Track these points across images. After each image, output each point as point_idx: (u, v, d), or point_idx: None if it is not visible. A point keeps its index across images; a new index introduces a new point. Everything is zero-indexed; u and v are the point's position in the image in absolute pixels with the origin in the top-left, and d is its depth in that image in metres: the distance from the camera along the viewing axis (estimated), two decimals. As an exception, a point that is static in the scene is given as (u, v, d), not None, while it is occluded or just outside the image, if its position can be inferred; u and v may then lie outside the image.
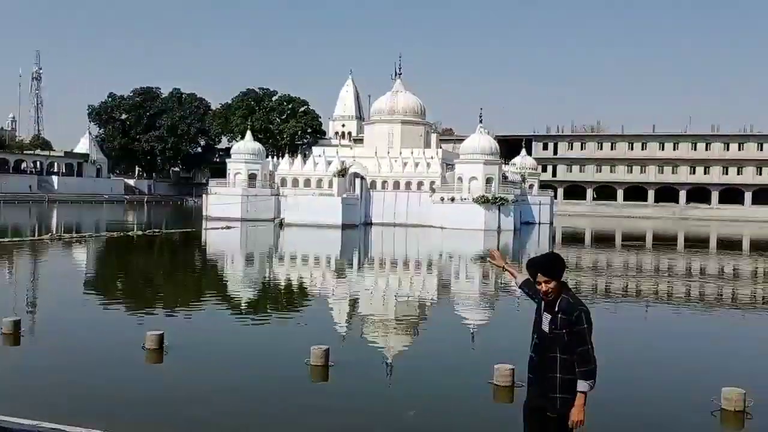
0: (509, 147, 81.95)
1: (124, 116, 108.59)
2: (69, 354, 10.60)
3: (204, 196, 58.60)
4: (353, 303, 17.47)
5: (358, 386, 9.20)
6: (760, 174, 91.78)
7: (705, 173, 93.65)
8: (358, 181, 56.00)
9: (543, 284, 4.59)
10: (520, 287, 5.18)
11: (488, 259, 4.92)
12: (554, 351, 4.55)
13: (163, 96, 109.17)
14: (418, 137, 62.90)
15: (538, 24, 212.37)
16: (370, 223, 53.38)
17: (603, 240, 48.34)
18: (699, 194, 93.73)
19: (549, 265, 4.63)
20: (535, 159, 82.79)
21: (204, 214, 55.43)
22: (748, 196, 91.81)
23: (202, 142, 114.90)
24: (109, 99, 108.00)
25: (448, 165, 57.38)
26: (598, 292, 19.79)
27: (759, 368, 10.86)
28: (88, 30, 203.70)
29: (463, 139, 61.83)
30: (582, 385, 4.48)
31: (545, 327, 4.63)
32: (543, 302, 4.71)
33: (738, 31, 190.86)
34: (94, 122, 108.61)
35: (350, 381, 9.43)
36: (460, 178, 53.04)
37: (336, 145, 70.48)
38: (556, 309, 4.57)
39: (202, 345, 11.39)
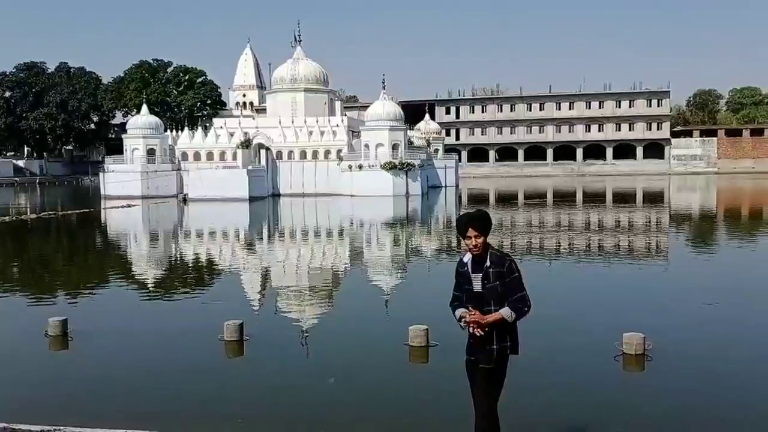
0: (413, 112, 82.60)
1: (7, 94, 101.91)
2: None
3: (101, 174, 56.15)
4: (265, 276, 17.30)
5: (274, 358, 9.14)
6: (650, 129, 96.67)
7: (599, 131, 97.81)
8: (263, 152, 55.11)
9: (473, 238, 4.67)
10: (461, 311, 4.79)
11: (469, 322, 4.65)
12: (489, 304, 4.65)
13: (50, 71, 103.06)
14: (322, 105, 62.36)
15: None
16: (278, 195, 52.82)
17: (506, 199, 49.78)
18: (595, 151, 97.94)
19: (483, 220, 4.75)
20: (439, 123, 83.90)
21: (102, 193, 53.20)
22: (639, 150, 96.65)
23: (96, 119, 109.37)
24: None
25: (354, 132, 57.29)
26: (503, 250, 20.39)
27: (656, 313, 11.52)
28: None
29: (367, 106, 61.82)
30: (506, 312, 4.59)
31: (478, 288, 4.70)
32: (470, 268, 4.76)
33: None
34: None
35: (266, 354, 9.35)
36: (366, 146, 53.12)
37: (238, 116, 68.86)
38: (487, 264, 4.68)
39: (109, 328, 10.99)
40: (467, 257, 4.83)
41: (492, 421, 4.79)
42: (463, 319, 4.69)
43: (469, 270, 4.78)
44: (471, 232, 4.68)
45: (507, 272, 4.64)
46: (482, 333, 4.60)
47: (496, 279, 4.64)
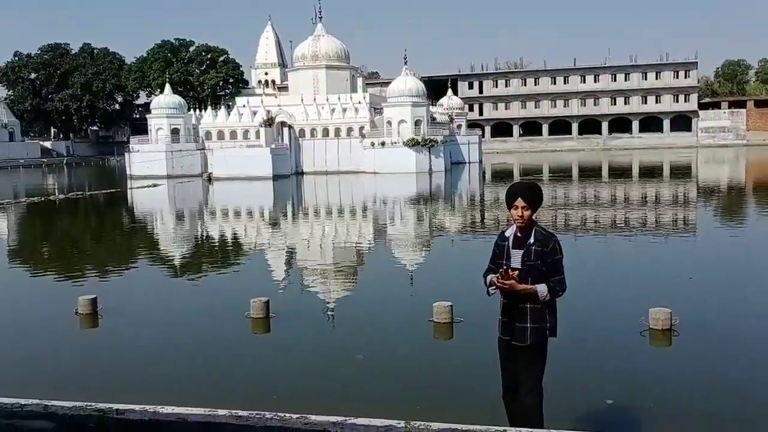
0: (435, 88, 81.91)
1: (33, 75, 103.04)
2: (-3, 326, 10.20)
3: (126, 154, 56.70)
4: (290, 253, 17.39)
5: (300, 335, 9.20)
6: (677, 101, 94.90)
7: (625, 103, 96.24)
8: (285, 130, 55.19)
9: (520, 209, 4.55)
10: (492, 277, 4.71)
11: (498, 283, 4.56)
12: (526, 282, 4.53)
13: (74, 52, 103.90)
14: (344, 82, 62.15)
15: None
16: (302, 173, 52.96)
17: (531, 174, 49.35)
18: (620, 124, 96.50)
19: (532, 192, 4.64)
20: (462, 99, 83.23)
21: (128, 173, 53.75)
22: (666, 123, 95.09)
23: (120, 99, 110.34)
24: (15, 58, 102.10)
25: (376, 109, 57.07)
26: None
27: (682, 288, 11.41)
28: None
29: (389, 83, 61.41)
30: (542, 288, 4.50)
31: (516, 264, 4.58)
32: (511, 242, 4.66)
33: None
34: (1, 83, 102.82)
35: (292, 331, 9.42)
36: (389, 122, 52.90)
37: (260, 95, 68.84)
38: (531, 241, 4.57)
39: (137, 306, 11.16)
40: (510, 231, 4.72)
41: (536, 400, 4.69)
42: (493, 285, 4.60)
43: (510, 245, 4.66)
44: (519, 203, 4.55)
45: (550, 252, 4.53)
46: (505, 287, 4.47)
47: (537, 258, 4.53)
